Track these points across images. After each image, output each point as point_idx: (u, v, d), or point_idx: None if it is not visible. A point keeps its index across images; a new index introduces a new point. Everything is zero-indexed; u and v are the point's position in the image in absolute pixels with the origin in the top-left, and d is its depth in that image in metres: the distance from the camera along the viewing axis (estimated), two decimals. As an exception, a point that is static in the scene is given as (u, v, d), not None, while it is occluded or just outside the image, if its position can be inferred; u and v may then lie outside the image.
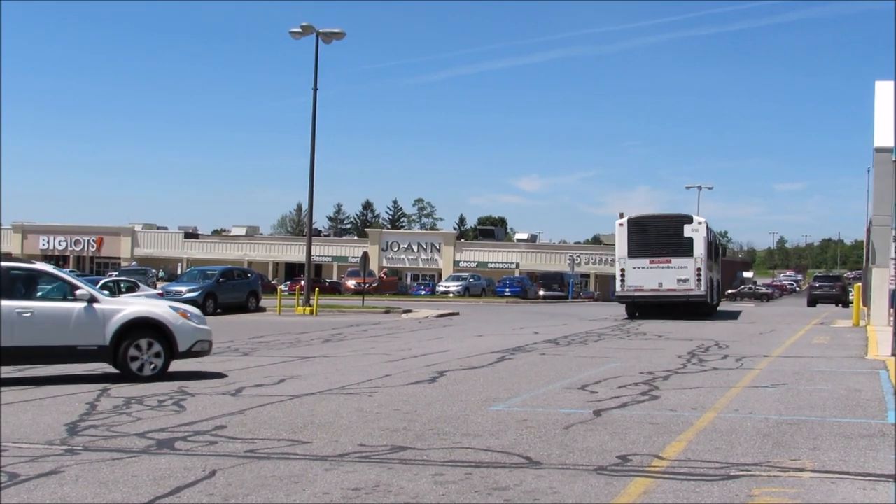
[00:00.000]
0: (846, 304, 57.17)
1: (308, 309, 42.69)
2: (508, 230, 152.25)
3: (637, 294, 37.42)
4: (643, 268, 37.14)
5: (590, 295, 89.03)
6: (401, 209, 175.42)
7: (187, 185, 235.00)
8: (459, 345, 23.32)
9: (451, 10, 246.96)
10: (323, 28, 43.79)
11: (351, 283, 75.63)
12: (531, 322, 35.41)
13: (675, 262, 36.93)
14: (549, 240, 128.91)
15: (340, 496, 7.70)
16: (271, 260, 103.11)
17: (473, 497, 7.65)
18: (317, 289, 48.13)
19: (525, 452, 9.38)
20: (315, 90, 44.55)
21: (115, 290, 29.98)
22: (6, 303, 15.27)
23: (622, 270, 37.72)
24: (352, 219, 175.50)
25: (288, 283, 74.47)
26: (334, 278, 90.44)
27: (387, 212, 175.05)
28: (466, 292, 76.00)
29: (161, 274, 75.83)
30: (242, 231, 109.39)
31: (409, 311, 43.43)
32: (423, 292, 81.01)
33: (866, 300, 34.62)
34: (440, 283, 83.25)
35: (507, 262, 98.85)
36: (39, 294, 16.04)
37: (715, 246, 43.39)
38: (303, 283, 78.31)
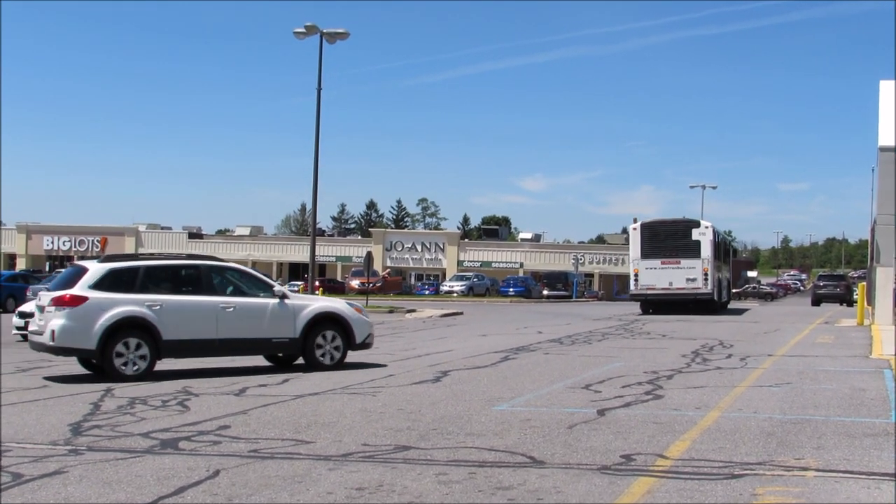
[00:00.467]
0: (850, 303, 57.09)
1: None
2: (512, 230, 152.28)
3: (650, 292, 40.69)
4: (655, 268, 40.41)
5: (594, 294, 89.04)
6: (405, 209, 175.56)
7: (191, 186, 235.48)
8: (463, 344, 23.32)
9: (455, 10, 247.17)
10: (327, 28, 43.80)
11: (355, 283, 75.68)
12: (535, 321, 35.41)
13: (685, 263, 40.23)
14: (553, 239, 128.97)
15: (344, 496, 7.69)
16: (275, 260, 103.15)
17: (477, 497, 7.65)
18: (320, 288, 48.10)
19: (529, 452, 9.38)
20: (319, 90, 44.56)
21: None
22: (211, 298, 16.93)
23: (636, 271, 41.03)
24: (356, 219, 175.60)
25: (300, 283, 74.25)
26: (338, 278, 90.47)
27: (391, 212, 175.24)
28: (470, 292, 76.04)
29: None
30: (246, 231, 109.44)
31: (413, 311, 43.45)
32: (426, 292, 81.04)
33: (871, 299, 34.59)
34: (444, 283, 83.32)
35: (510, 262, 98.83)
36: (238, 291, 17.58)
37: (724, 248, 46.84)
38: (353, 284, 78.56)
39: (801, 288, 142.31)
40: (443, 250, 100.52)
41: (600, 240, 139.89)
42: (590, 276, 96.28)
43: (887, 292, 29.70)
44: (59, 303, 16.04)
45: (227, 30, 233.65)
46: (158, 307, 16.34)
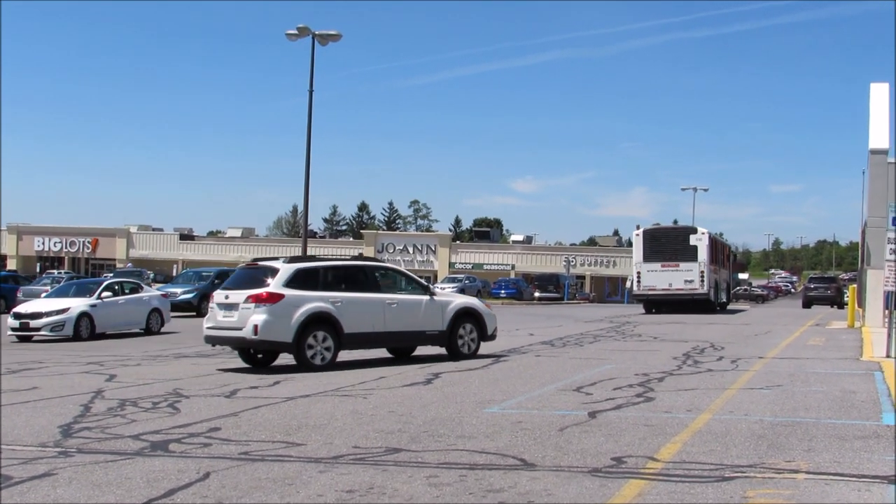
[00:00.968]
0: (841, 305, 57.24)
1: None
2: (504, 232, 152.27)
3: (651, 293, 44.45)
4: (656, 271, 44.11)
5: (585, 296, 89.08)
6: (396, 211, 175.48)
7: (183, 187, 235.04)
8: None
9: (447, 12, 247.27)
10: (319, 30, 43.78)
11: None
12: (526, 323, 35.42)
13: (683, 266, 43.91)
14: (545, 241, 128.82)
15: (334, 498, 7.68)
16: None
17: (468, 499, 7.64)
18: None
19: (520, 454, 9.37)
20: (311, 92, 44.50)
21: (119, 291, 30.02)
22: (378, 295, 18.93)
23: (638, 273, 44.79)
24: (347, 220, 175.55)
25: None
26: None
27: (382, 213, 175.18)
28: (462, 294, 75.92)
29: (151, 276, 75.54)
30: (238, 232, 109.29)
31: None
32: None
33: (861, 302, 34.68)
34: (436, 285, 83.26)
35: (502, 264, 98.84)
36: (398, 288, 19.74)
37: (722, 252, 50.85)
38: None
39: (792, 290, 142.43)
40: (434, 252, 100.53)
41: (592, 242, 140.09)
42: (581, 278, 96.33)
43: (878, 295, 29.75)
44: (257, 300, 17.57)
45: (220, 31, 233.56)
46: (339, 303, 18.20)
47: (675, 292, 43.95)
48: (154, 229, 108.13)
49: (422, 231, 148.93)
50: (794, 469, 8.67)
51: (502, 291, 75.99)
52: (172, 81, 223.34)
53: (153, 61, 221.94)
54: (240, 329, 17.67)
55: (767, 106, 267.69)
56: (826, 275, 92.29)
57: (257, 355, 18.76)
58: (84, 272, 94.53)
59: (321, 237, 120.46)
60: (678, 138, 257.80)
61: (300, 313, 17.63)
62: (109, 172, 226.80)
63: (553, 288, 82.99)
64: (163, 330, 30.69)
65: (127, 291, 30.41)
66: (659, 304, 44.38)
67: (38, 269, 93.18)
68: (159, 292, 33.67)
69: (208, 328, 18.86)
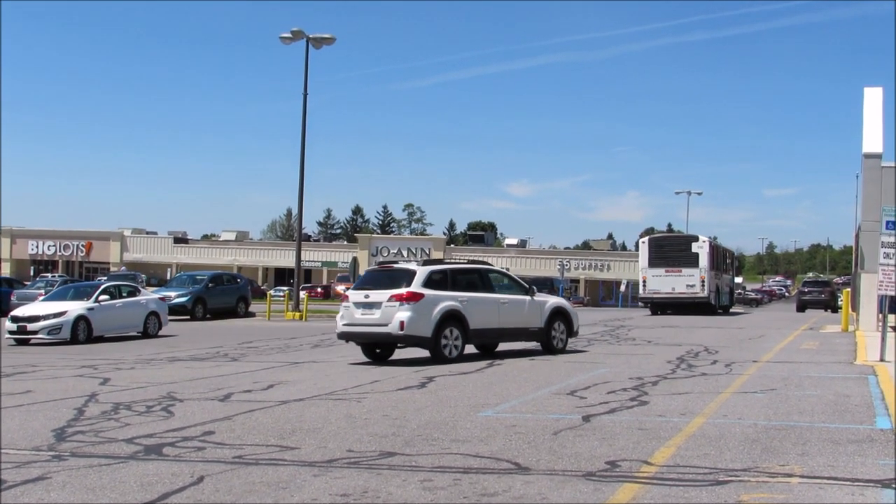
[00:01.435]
0: (835, 309, 57.29)
1: (297, 314, 42.68)
2: (498, 235, 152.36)
3: (655, 296, 47.34)
4: (660, 276, 47.00)
5: (579, 300, 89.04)
6: (391, 214, 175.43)
7: (177, 190, 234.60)
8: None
9: (441, 15, 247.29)
10: (313, 33, 43.82)
11: (340, 289, 75.51)
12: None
13: (685, 271, 46.79)
14: (539, 245, 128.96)
15: (329, 501, 7.68)
16: (261, 265, 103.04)
17: (462, 503, 7.64)
18: (307, 294, 48.03)
19: (514, 458, 9.37)
20: (305, 95, 44.62)
21: (116, 294, 30.08)
22: (493, 295, 21.02)
23: (644, 278, 47.80)
24: (342, 224, 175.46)
25: (286, 288, 73.41)
26: (313, 283, 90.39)
27: (377, 217, 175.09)
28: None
29: (145, 279, 75.42)
30: (232, 236, 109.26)
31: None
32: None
33: (855, 305, 34.70)
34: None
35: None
36: (506, 289, 21.73)
37: (724, 258, 54.29)
38: (319, 290, 78.09)
39: (786, 294, 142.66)
40: (429, 256, 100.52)
41: (586, 246, 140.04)
42: (575, 281, 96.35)
43: (872, 298, 29.79)
44: (401, 299, 19.43)
45: (214, 34, 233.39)
46: (465, 302, 20.20)
47: (678, 296, 46.76)
48: (148, 233, 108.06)
49: (416, 235, 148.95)
50: (788, 473, 8.68)
51: (496, 295, 75.84)
52: (167, 84, 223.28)
53: (147, 64, 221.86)
54: (385, 325, 19.49)
55: (761, 110, 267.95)
56: (820, 278, 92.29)
57: (376, 350, 20.64)
58: (78, 276, 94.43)
59: (315, 240, 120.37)
60: (672, 142, 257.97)
61: (437, 311, 19.58)
62: (103, 176, 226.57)
63: (547, 292, 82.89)
64: (160, 333, 30.69)
65: (124, 295, 30.48)
66: (664, 306, 47.35)
67: (31, 273, 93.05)
68: (157, 296, 33.71)
69: (344, 325, 20.44)
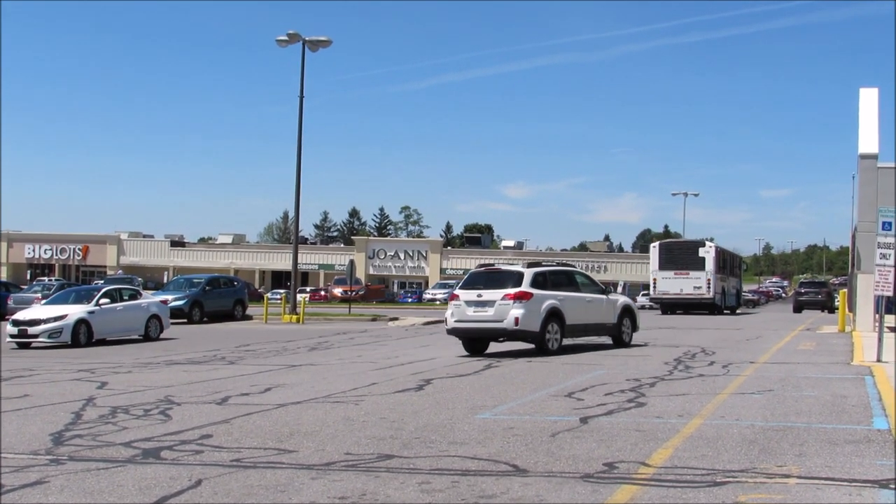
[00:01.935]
0: (832, 309, 57.38)
1: (294, 317, 42.67)
2: (495, 237, 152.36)
3: (664, 297, 51.55)
4: (669, 278, 51.08)
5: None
6: (387, 217, 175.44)
7: (173, 194, 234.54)
8: (446, 352, 23.31)
9: (438, 17, 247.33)
10: (309, 36, 43.83)
11: (337, 291, 75.59)
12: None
13: (692, 274, 50.68)
14: (536, 247, 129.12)
15: (327, 505, 7.68)
16: (258, 268, 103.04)
17: (460, 505, 7.64)
18: (303, 297, 47.94)
19: (512, 460, 9.38)
20: (301, 98, 44.60)
21: (117, 297, 30.16)
22: (580, 294, 23.32)
23: (654, 280, 52.11)
24: (338, 226, 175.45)
25: (283, 291, 73.05)
26: (321, 286, 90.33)
27: (373, 219, 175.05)
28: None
29: (142, 282, 75.35)
30: (229, 239, 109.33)
31: (396, 319, 43.42)
32: (409, 300, 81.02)
33: (852, 306, 34.76)
34: (427, 291, 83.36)
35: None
36: (587, 288, 23.94)
37: (730, 262, 58.55)
38: (322, 293, 77.94)
39: (783, 295, 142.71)
40: (425, 258, 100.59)
41: (583, 247, 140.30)
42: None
43: (868, 299, 29.82)
44: (514, 297, 21.55)
45: (210, 37, 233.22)
46: (562, 300, 22.42)
47: (685, 297, 50.73)
48: (145, 236, 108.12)
49: (413, 237, 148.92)
50: (786, 474, 8.69)
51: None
52: (163, 88, 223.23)
53: (143, 68, 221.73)
54: (500, 321, 21.56)
55: (757, 111, 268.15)
56: (817, 279, 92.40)
57: (475, 343, 22.77)
58: (75, 279, 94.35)
59: (312, 243, 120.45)
60: (669, 143, 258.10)
61: (543, 308, 21.80)
62: (100, 179, 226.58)
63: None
64: (162, 336, 30.73)
65: (126, 298, 30.61)
66: (673, 306, 51.21)
67: (28, 277, 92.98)
68: (158, 299, 33.74)
69: (455, 322, 22.42)
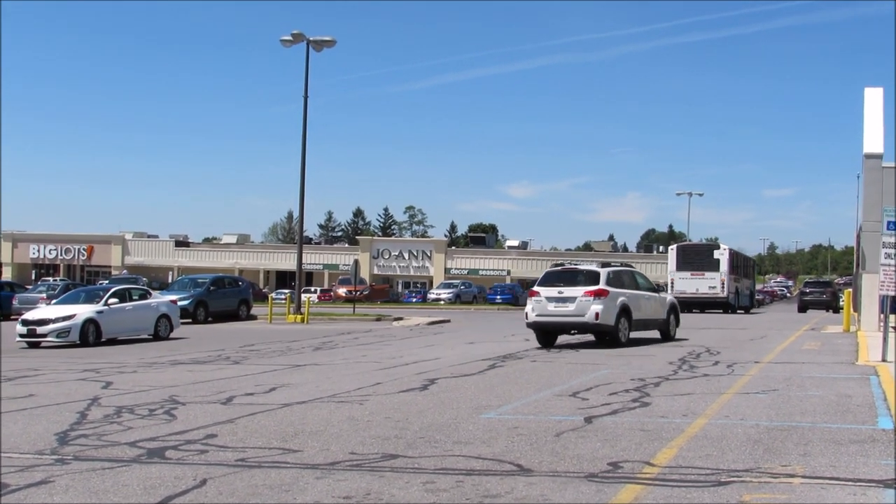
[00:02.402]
0: (836, 309, 57.33)
1: (299, 317, 42.67)
2: (499, 237, 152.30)
3: (681, 296, 50.88)
4: (686, 278, 54.10)
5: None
6: (391, 217, 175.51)
7: (178, 194, 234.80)
8: (451, 352, 23.32)
9: (441, 16, 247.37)
10: (314, 36, 43.84)
11: (342, 291, 75.57)
12: (522, 329, 35.35)
13: (708, 275, 53.92)
14: (540, 247, 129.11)
15: (331, 504, 7.69)
16: (262, 268, 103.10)
17: (464, 505, 7.65)
18: (307, 297, 47.91)
19: (516, 460, 9.38)
20: (305, 98, 44.62)
21: (127, 297, 30.34)
22: (639, 292, 25.48)
23: (672, 280, 54.68)
24: (343, 226, 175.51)
25: (287, 291, 72.79)
26: (325, 286, 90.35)
27: (378, 219, 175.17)
28: (458, 299, 76.07)
29: (146, 283, 75.38)
30: (233, 239, 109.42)
31: (401, 319, 43.43)
32: (414, 300, 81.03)
33: (857, 306, 34.69)
34: (431, 291, 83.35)
35: (498, 269, 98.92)
36: (642, 286, 26.05)
37: (744, 264, 61.85)
38: (340, 292, 77.84)
39: (788, 294, 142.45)
40: (430, 258, 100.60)
41: (587, 247, 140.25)
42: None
43: (873, 299, 29.76)
44: (594, 294, 23.76)
45: (214, 37, 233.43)
46: (629, 297, 24.73)
47: (701, 296, 53.47)
48: (149, 236, 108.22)
49: (417, 237, 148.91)
50: (791, 473, 8.69)
51: (498, 297, 75.97)
52: (167, 88, 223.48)
53: (147, 68, 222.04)
54: (581, 316, 23.84)
55: (761, 110, 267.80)
56: (821, 279, 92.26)
57: (549, 336, 24.97)
58: (79, 279, 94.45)
59: (316, 243, 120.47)
60: (672, 143, 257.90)
61: (617, 304, 24.13)
62: (104, 179, 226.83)
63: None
64: (172, 336, 30.83)
65: (135, 298, 30.88)
66: (689, 305, 51.20)
67: (33, 277, 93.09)
68: (168, 298, 33.82)
69: (536, 316, 24.53)
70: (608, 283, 24.12)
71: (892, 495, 7.90)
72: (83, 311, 28.42)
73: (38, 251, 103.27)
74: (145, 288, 36.72)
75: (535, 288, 25.13)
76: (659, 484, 8.31)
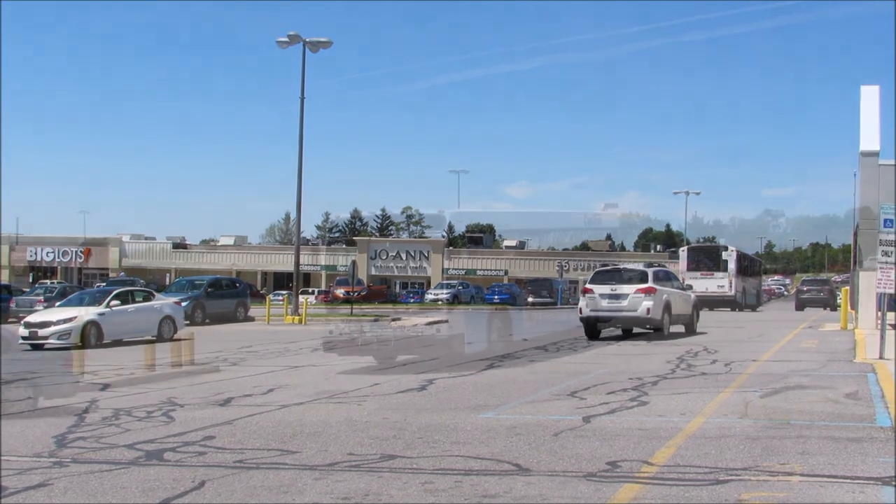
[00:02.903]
0: (834, 307, 57.31)
1: (297, 318, 42.65)
2: (497, 237, 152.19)
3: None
4: (697, 278, 55.80)
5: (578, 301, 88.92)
6: (389, 217, 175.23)
7: (175, 195, 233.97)
8: (448, 352, 23.30)
9: (438, 17, 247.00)
10: (310, 37, 43.85)
11: (340, 292, 75.52)
12: (520, 329, 35.41)
13: (717, 275, 57.20)
14: (538, 246, 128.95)
15: (330, 505, 7.69)
16: (260, 269, 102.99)
17: (463, 505, 7.65)
18: (305, 298, 47.92)
19: (515, 460, 9.38)
20: (302, 99, 44.62)
21: (129, 299, 30.43)
22: (669, 289, 27.49)
23: (683, 279, 56.68)
24: (340, 227, 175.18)
25: (285, 292, 72.71)
26: (323, 287, 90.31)
27: (375, 220, 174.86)
28: (455, 300, 76.01)
29: (143, 284, 75.27)
30: (231, 241, 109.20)
31: (398, 319, 43.42)
32: (411, 300, 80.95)
33: (854, 304, 34.71)
34: (429, 291, 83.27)
35: (495, 270, 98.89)
36: (670, 283, 28.20)
37: (751, 265, 65.29)
38: (338, 293, 77.81)
39: (786, 293, 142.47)
40: (427, 258, 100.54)
41: (585, 247, 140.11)
42: (574, 282, 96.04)
43: (870, 296, 29.77)
44: (645, 291, 26.10)
45: (210, 38, 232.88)
46: (670, 294, 27.17)
47: (710, 295, 55.12)
48: (146, 238, 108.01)
49: (415, 237, 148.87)
50: (789, 471, 8.70)
51: (496, 297, 75.91)
52: (163, 89, 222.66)
53: (143, 69, 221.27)
54: (633, 311, 26.14)
55: (758, 109, 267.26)
56: (819, 277, 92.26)
57: (594, 330, 26.92)
58: (77, 282, 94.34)
59: (314, 244, 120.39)
60: (670, 142, 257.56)
61: (663, 300, 26.45)
62: (101, 182, 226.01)
63: (546, 293, 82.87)
64: (175, 337, 30.81)
65: (138, 300, 31.00)
66: (699, 303, 54.95)
67: (30, 280, 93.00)
68: (172, 300, 33.83)
69: (590, 311, 26.76)
70: (654, 281, 26.51)
71: (891, 493, 7.91)
72: (84, 313, 28.61)
73: (35, 253, 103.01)
74: (149, 290, 36.76)
75: (588, 285, 27.34)
76: (657, 483, 8.31)
